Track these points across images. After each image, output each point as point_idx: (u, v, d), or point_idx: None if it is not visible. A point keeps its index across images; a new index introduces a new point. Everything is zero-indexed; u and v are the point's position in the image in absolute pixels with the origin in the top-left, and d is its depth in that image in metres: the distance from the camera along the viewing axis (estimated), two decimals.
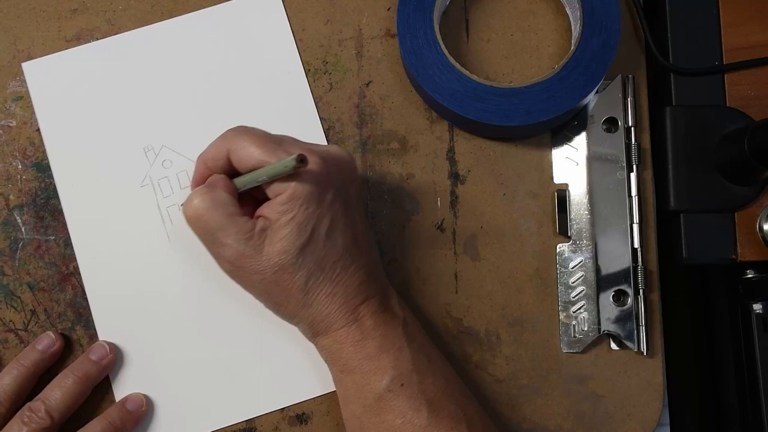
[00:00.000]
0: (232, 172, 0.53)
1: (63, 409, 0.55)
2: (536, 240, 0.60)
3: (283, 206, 0.50)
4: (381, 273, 0.55)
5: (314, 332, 0.53)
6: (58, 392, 0.55)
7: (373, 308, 0.52)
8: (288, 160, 0.48)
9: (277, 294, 0.52)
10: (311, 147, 0.52)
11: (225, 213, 0.51)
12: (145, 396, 0.58)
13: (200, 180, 0.54)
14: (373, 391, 0.51)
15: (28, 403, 0.55)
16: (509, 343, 0.59)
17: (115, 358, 0.58)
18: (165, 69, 0.61)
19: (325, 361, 0.54)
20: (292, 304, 0.52)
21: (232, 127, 0.53)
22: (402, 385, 0.51)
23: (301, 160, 0.48)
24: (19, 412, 0.54)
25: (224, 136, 0.52)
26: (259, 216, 0.51)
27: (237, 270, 0.52)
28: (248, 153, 0.51)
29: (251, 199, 0.53)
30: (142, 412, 0.57)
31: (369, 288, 0.52)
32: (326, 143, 0.60)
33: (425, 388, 0.51)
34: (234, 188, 0.52)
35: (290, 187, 0.50)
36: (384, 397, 0.51)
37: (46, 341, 0.57)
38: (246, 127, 0.53)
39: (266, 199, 0.52)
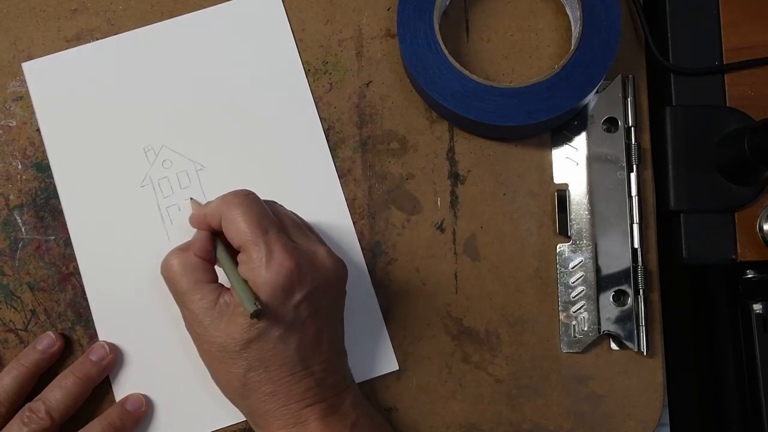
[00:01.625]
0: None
1: (63, 410, 0.55)
2: (536, 240, 0.60)
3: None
4: (341, 373, 0.54)
5: (254, 424, 0.53)
6: (58, 392, 0.55)
7: (318, 413, 0.51)
8: (247, 302, 0.48)
9: (219, 373, 0.52)
10: (296, 245, 0.51)
11: (193, 279, 0.51)
12: (145, 396, 0.57)
13: (195, 225, 0.54)
14: None
15: (29, 404, 0.55)
16: (509, 343, 0.59)
17: (115, 359, 0.58)
18: (165, 69, 0.61)
19: None
20: (230, 389, 0.52)
21: (233, 191, 0.53)
22: None
23: (257, 315, 0.48)
24: (19, 413, 0.54)
25: (224, 198, 0.52)
26: (228, 289, 0.52)
27: (192, 333, 0.53)
28: (236, 227, 0.51)
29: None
30: (142, 412, 0.57)
31: (317, 394, 0.51)
32: (329, 153, 0.60)
33: None
34: (212, 253, 0.53)
35: (255, 284, 0.50)
36: None
37: (46, 341, 0.57)
38: (248, 196, 0.52)
39: None
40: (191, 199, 0.59)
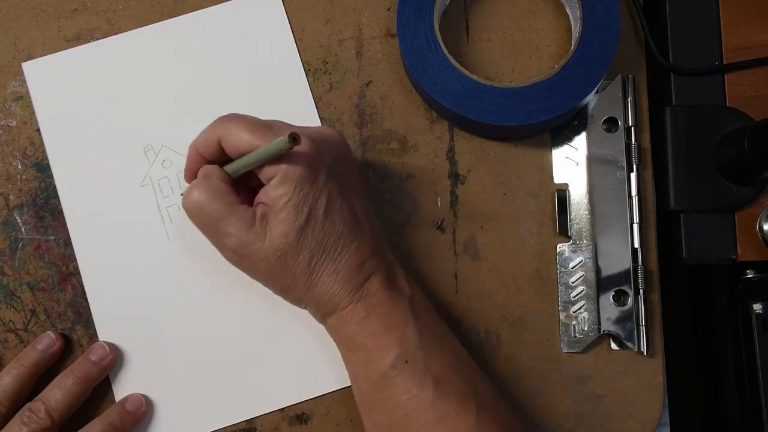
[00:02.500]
0: (223, 159, 0.53)
1: (63, 410, 0.55)
2: (536, 240, 0.60)
3: (277, 189, 0.50)
4: (386, 250, 0.55)
5: (322, 313, 0.53)
6: (58, 392, 0.55)
7: (377, 285, 0.52)
8: (280, 140, 0.48)
9: (283, 278, 0.52)
10: (301, 129, 0.52)
11: (224, 202, 0.51)
12: (145, 396, 0.57)
13: (193, 167, 0.54)
14: (378, 368, 0.51)
15: (28, 404, 0.55)
16: (509, 343, 0.59)
17: (115, 359, 0.58)
18: (165, 69, 0.61)
19: (335, 341, 0.54)
20: (298, 288, 0.52)
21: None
22: (407, 361, 0.51)
23: (294, 138, 0.48)
24: (19, 412, 0.54)
25: (215, 123, 0.53)
26: (259, 203, 0.52)
27: (242, 258, 0.52)
28: (239, 138, 0.51)
29: (247, 188, 0.54)
30: (142, 412, 0.57)
31: (373, 265, 0.52)
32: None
33: (431, 365, 0.51)
34: (227, 177, 0.52)
35: (281, 170, 0.50)
36: (389, 374, 0.51)
37: (47, 341, 0.57)
38: (236, 113, 0.53)
39: (261, 186, 0.52)
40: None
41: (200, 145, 0.53)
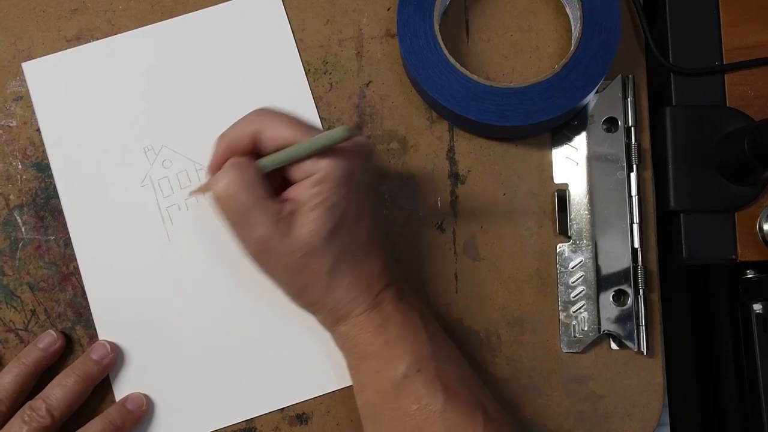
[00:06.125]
0: (253, 153, 0.51)
1: (64, 408, 0.55)
2: (536, 240, 0.60)
3: (314, 188, 0.49)
4: (393, 264, 0.55)
5: (334, 319, 0.52)
6: (59, 391, 0.55)
7: (392, 294, 0.52)
8: (339, 130, 0.48)
9: (302, 279, 0.51)
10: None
11: (255, 195, 0.49)
12: (146, 396, 0.58)
13: (220, 161, 0.52)
14: (390, 376, 0.51)
15: (29, 402, 0.55)
16: (509, 343, 0.59)
17: (116, 358, 0.58)
18: (165, 69, 0.61)
19: (341, 349, 0.54)
20: (316, 290, 0.51)
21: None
22: (419, 370, 0.50)
23: (354, 129, 0.47)
24: (19, 411, 0.54)
25: (250, 117, 0.51)
26: (287, 199, 0.50)
27: (263, 254, 0.51)
28: (279, 132, 0.50)
29: (270, 184, 0.52)
30: (142, 411, 0.57)
31: (388, 276, 0.52)
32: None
33: (441, 374, 0.51)
34: (259, 170, 0.51)
35: (322, 169, 0.49)
36: (401, 383, 0.50)
37: (48, 339, 0.57)
38: (270, 108, 0.52)
39: (282, 184, 0.51)
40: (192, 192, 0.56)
41: (233, 138, 0.51)
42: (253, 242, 0.50)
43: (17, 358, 0.56)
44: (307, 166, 0.50)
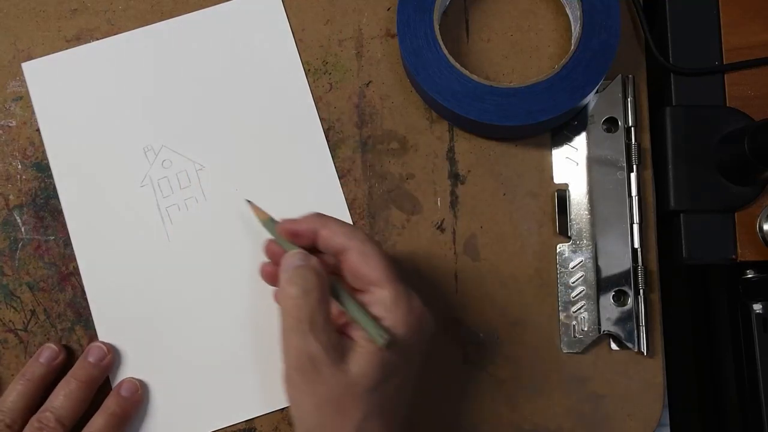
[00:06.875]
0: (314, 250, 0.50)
1: (72, 416, 0.55)
2: (536, 240, 0.60)
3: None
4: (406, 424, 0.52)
5: None
6: (64, 399, 0.55)
7: None
8: (381, 333, 0.47)
9: (326, 419, 0.47)
10: (414, 308, 0.49)
11: (323, 310, 0.48)
12: (140, 381, 0.57)
13: (298, 232, 0.50)
14: None
15: (36, 415, 0.54)
16: (509, 343, 0.59)
17: (114, 358, 0.57)
18: (165, 69, 0.61)
19: None
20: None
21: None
22: None
23: (389, 344, 0.47)
24: (28, 425, 0.54)
25: (353, 232, 0.50)
26: (346, 335, 0.49)
27: (306, 371, 0.47)
28: (373, 265, 0.49)
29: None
30: (139, 395, 0.57)
31: None
32: (329, 153, 0.60)
33: None
34: (329, 285, 0.49)
35: (394, 324, 0.48)
36: None
37: (49, 353, 0.56)
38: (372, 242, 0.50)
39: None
40: (250, 202, 0.55)
41: (327, 237, 0.49)
42: (304, 353, 0.47)
43: (21, 375, 0.56)
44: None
